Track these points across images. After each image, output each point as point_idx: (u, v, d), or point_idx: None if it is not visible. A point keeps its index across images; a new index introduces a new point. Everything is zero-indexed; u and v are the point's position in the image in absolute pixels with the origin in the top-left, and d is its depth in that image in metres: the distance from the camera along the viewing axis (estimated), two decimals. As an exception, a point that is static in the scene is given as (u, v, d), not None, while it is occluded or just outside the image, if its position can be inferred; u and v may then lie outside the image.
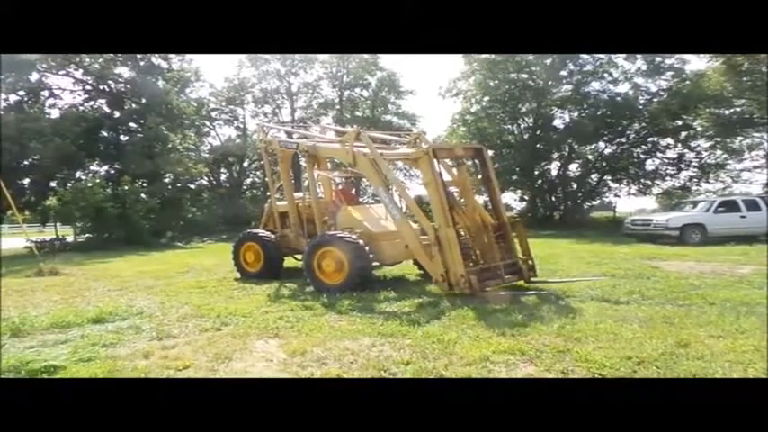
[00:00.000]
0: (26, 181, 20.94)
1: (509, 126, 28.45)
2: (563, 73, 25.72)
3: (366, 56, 31.05)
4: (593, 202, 29.86)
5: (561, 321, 4.86)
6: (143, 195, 19.83)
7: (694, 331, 4.48)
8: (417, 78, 68.76)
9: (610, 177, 27.63)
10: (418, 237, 7.06)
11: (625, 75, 25.40)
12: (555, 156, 27.84)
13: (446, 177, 7.24)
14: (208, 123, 30.22)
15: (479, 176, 7.74)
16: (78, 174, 21.43)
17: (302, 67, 31.76)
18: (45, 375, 3.73)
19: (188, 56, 24.74)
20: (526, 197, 28.82)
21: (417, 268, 8.37)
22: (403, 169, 25.39)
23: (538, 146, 26.75)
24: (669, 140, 25.58)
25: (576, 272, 8.59)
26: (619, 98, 25.28)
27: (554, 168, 28.41)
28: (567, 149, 27.25)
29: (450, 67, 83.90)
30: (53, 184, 20.60)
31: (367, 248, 7.11)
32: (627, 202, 58.75)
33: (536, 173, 27.38)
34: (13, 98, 21.03)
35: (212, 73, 61.16)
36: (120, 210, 18.14)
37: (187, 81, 25.43)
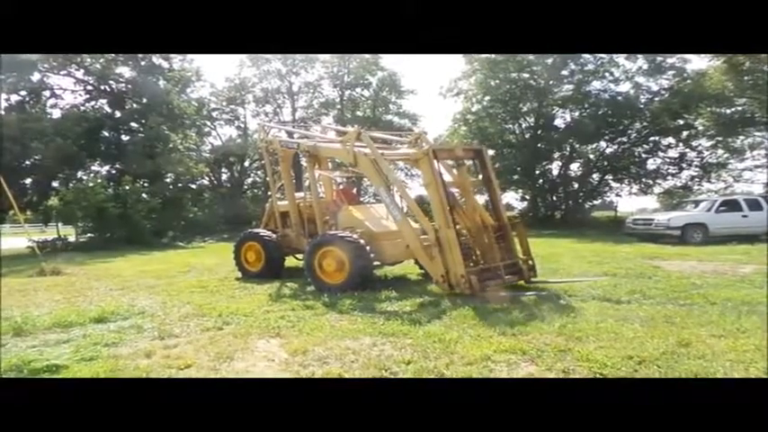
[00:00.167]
0: (28, 181, 20.98)
1: (510, 125, 28.40)
2: (564, 72, 25.66)
3: (367, 56, 31.03)
4: (595, 202, 29.84)
5: (562, 321, 4.86)
6: (144, 195, 19.84)
7: (696, 331, 4.48)
8: (418, 78, 68.99)
9: (611, 177, 27.58)
10: (419, 237, 7.06)
11: (626, 74, 25.35)
12: (556, 155, 27.80)
13: (447, 178, 7.24)
14: (209, 123, 30.19)
15: (480, 177, 7.73)
16: (80, 174, 21.46)
17: (303, 66, 31.75)
18: (47, 375, 3.75)
19: (189, 56, 24.82)
20: (527, 196, 28.77)
21: (418, 268, 8.37)
22: (404, 169, 25.40)
23: (539, 145, 26.71)
24: (670, 140, 25.51)
25: (577, 271, 8.58)
26: (620, 97, 25.23)
27: (555, 168, 28.43)
28: (568, 149, 27.22)
29: (451, 66, 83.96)
30: (55, 184, 20.71)
31: (368, 248, 7.12)
32: (628, 202, 58.54)
33: (537, 172, 27.32)
34: (14, 98, 21.07)
35: (213, 73, 61.65)
36: (121, 209, 18.17)
37: (188, 81, 25.44)
